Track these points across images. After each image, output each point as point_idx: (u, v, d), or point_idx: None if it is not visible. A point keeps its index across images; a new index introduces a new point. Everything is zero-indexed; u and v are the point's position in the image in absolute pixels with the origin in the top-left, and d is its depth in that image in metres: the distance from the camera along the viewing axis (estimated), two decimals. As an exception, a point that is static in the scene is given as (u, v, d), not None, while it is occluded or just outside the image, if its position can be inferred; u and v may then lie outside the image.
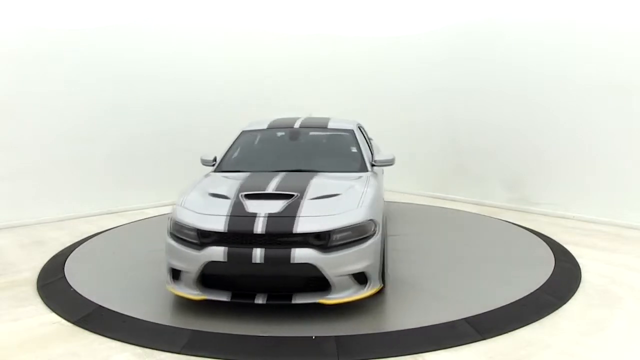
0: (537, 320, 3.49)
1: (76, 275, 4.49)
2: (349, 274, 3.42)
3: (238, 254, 3.40)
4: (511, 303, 3.75)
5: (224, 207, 3.66)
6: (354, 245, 3.45)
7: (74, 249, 5.31)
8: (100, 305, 3.77)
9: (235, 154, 5.04)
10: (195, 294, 3.56)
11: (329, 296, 3.43)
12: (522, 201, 7.29)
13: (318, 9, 9.06)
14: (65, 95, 6.85)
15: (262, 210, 3.57)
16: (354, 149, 4.85)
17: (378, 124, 6.51)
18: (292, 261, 3.34)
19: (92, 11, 7.07)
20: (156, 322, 3.49)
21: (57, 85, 6.77)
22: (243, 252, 3.39)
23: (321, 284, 3.42)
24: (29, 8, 6.58)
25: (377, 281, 3.61)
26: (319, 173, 4.34)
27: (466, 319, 3.47)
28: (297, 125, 5.23)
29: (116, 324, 3.50)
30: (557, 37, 6.77)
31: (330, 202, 3.67)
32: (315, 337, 3.24)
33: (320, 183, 4.04)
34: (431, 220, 6.63)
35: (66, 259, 4.97)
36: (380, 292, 3.77)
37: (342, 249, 3.41)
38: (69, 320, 3.56)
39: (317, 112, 6.33)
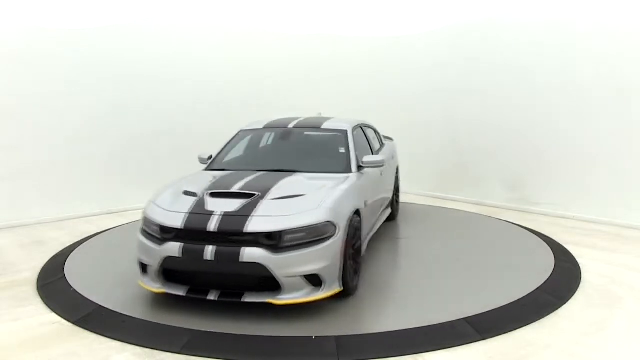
0: (537, 320, 3.49)
1: (76, 275, 4.49)
2: (300, 275, 3.41)
3: (192, 251, 3.49)
4: (511, 303, 3.75)
5: (187, 205, 3.77)
6: (308, 247, 3.43)
7: (74, 249, 5.31)
8: (100, 305, 3.77)
9: (227, 153, 5.15)
10: (156, 287, 3.70)
11: (279, 296, 3.45)
12: (522, 201, 7.29)
13: (318, 9, 9.06)
14: (65, 95, 6.85)
15: (220, 208, 3.64)
16: (342, 150, 4.77)
17: (378, 123, 6.50)
18: (241, 260, 3.38)
19: (92, 11, 7.07)
20: (156, 322, 3.49)
21: (57, 85, 6.77)
22: (196, 249, 3.48)
23: (271, 283, 3.43)
24: (29, 8, 6.58)
25: (335, 284, 3.57)
26: (297, 173, 4.35)
27: (466, 319, 3.46)
28: (291, 125, 5.26)
29: (116, 324, 3.50)
30: (557, 37, 6.77)
31: (289, 203, 3.68)
32: (315, 337, 3.24)
33: (290, 183, 4.06)
34: (431, 220, 6.63)
35: (66, 259, 4.97)
36: (339, 295, 3.73)
37: (294, 250, 3.40)
38: (69, 320, 3.56)
39: (325, 112, 6.35)
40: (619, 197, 6.28)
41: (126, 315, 3.60)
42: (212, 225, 3.51)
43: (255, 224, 3.46)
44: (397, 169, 6.65)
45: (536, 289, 4.03)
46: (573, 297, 3.93)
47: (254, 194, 3.79)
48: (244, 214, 3.56)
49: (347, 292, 3.76)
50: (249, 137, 5.37)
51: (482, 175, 7.78)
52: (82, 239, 5.72)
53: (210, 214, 3.60)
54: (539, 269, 4.52)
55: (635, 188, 6.14)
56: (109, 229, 6.22)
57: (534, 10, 7.06)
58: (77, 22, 6.95)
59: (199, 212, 3.65)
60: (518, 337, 3.25)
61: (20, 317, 3.66)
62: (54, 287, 4.24)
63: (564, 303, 3.81)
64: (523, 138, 7.24)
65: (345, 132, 4.95)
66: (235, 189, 3.97)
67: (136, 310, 3.69)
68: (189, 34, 7.96)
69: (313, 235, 3.46)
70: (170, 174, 7.50)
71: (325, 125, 5.17)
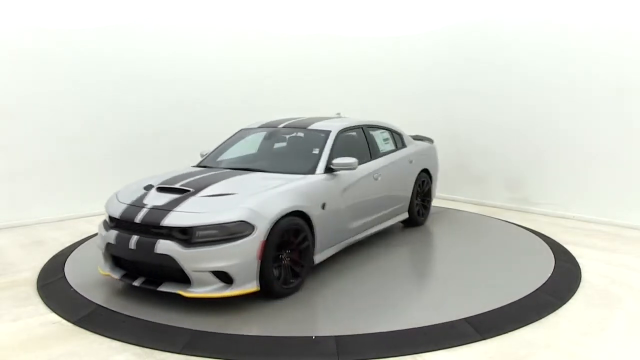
0: (537, 320, 3.49)
1: (76, 275, 4.48)
2: (209, 271, 3.52)
3: (121, 239, 3.82)
4: (511, 303, 3.75)
5: (133, 197, 4.09)
6: (219, 244, 3.51)
7: (74, 249, 5.30)
8: (100, 305, 3.77)
9: (219, 150, 5.35)
10: (105, 271, 4.09)
11: (189, 289, 3.59)
12: (522, 201, 7.29)
13: (318, 9, 9.06)
14: (65, 95, 6.85)
15: (152, 202, 3.91)
16: (316, 151, 4.73)
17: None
18: (155, 251, 3.59)
19: (92, 11, 7.06)
20: (156, 322, 3.48)
21: (57, 85, 6.77)
22: (124, 238, 3.79)
23: (184, 276, 3.59)
24: (29, 8, 6.58)
25: (251, 283, 3.62)
26: (257, 172, 4.49)
27: (466, 319, 3.46)
28: (281, 125, 5.34)
29: (116, 324, 3.49)
30: (557, 37, 6.77)
31: (213, 201, 3.81)
32: (315, 337, 3.24)
33: (233, 182, 4.19)
34: (431, 220, 6.62)
35: (66, 259, 4.97)
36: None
37: (205, 245, 3.52)
38: (69, 320, 3.56)
39: (345, 113, 6.35)
40: (619, 197, 6.28)
41: (126, 315, 3.60)
42: (139, 217, 3.79)
43: (171, 219, 3.64)
44: (429, 173, 6.32)
45: (536, 289, 4.03)
46: (573, 297, 3.93)
47: (188, 190, 3.99)
48: (166, 209, 3.76)
49: (273, 294, 3.81)
50: (244, 136, 5.54)
51: (482, 175, 7.78)
52: (82, 239, 5.72)
53: (142, 206, 3.88)
54: (539, 269, 4.52)
55: (635, 188, 6.14)
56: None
57: (534, 10, 7.06)
58: (77, 22, 6.94)
59: (135, 205, 3.94)
60: (518, 337, 3.25)
61: (20, 317, 3.66)
62: (54, 287, 4.24)
63: (564, 303, 3.81)
64: (523, 138, 7.24)
65: (327, 134, 4.87)
66: (178, 184, 4.16)
67: (136, 310, 3.68)
68: (189, 34, 7.96)
69: (226, 233, 3.53)
70: (170, 174, 7.53)
71: (312, 126, 5.12)
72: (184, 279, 3.61)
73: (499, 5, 7.56)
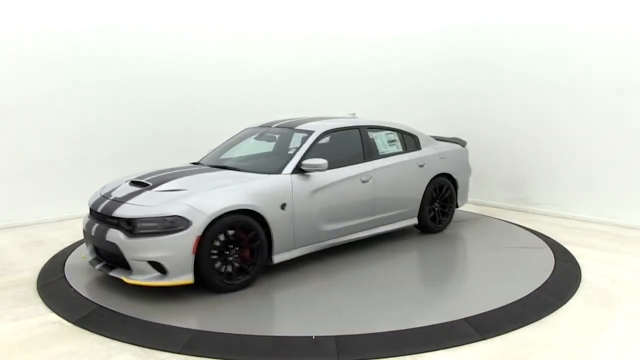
0: (537, 320, 3.50)
1: (76, 275, 4.48)
2: (146, 261, 3.76)
3: (88, 226, 4.25)
4: (511, 303, 3.75)
5: (108, 189, 4.47)
6: (157, 236, 3.74)
7: (74, 249, 5.31)
8: (100, 305, 3.77)
9: (216, 149, 5.52)
10: (84, 254, 4.46)
11: (130, 276, 3.87)
12: (522, 201, 7.29)
13: (318, 9, 9.06)
14: (65, 95, 6.84)
15: (116, 194, 4.27)
16: (291, 152, 4.77)
17: (378, 124, 6.51)
18: (105, 238, 3.95)
19: (92, 11, 7.06)
20: (156, 322, 3.49)
21: (57, 85, 6.77)
22: (90, 225, 4.22)
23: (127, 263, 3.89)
24: (29, 8, 6.58)
25: (186, 275, 3.80)
26: (226, 170, 4.70)
27: (466, 319, 3.47)
28: (275, 125, 5.42)
29: (116, 324, 3.50)
30: (557, 37, 6.77)
31: (162, 195, 4.05)
32: (315, 337, 3.24)
33: (193, 179, 4.42)
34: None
35: (66, 259, 4.97)
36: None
37: (145, 236, 3.77)
38: (69, 320, 3.56)
39: (360, 114, 6.33)
40: (619, 197, 6.28)
41: (126, 315, 3.60)
42: (101, 207, 4.17)
43: (120, 210, 3.96)
44: (453, 177, 5.99)
45: (536, 289, 4.03)
46: (573, 297, 3.93)
47: (147, 185, 4.29)
48: (121, 201, 4.09)
49: (213, 288, 3.96)
50: (246, 135, 5.61)
51: (482, 175, 7.77)
52: (82, 239, 5.71)
53: (107, 197, 4.26)
54: (539, 269, 4.52)
55: (635, 188, 6.14)
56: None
57: (534, 10, 7.06)
58: (77, 22, 6.94)
59: (105, 196, 4.33)
60: (518, 337, 3.25)
61: (20, 317, 3.66)
62: (54, 287, 4.24)
63: (564, 303, 3.81)
64: (523, 138, 7.24)
65: (310, 134, 4.86)
66: (145, 179, 4.45)
67: (136, 310, 3.68)
68: (189, 34, 7.96)
69: (163, 226, 3.76)
70: (170, 174, 7.52)
71: (300, 126, 5.10)
72: (128, 266, 3.90)
73: (499, 5, 7.56)
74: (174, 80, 7.75)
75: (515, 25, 7.28)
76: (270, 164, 4.70)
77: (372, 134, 5.39)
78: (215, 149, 5.55)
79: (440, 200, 5.90)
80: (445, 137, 6.48)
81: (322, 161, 4.45)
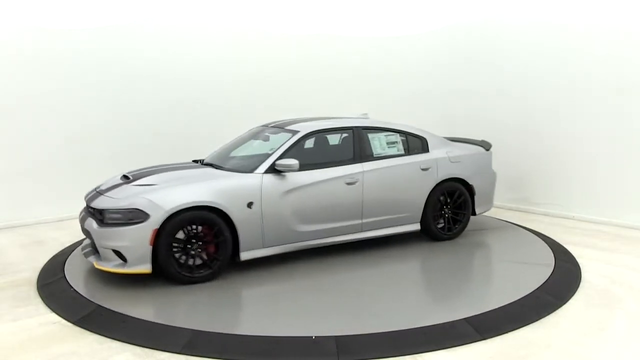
0: (537, 320, 3.50)
1: (76, 275, 4.49)
2: (110, 249, 4.08)
3: (81, 216, 4.61)
4: (511, 303, 3.75)
5: (103, 183, 4.82)
6: (120, 227, 4.03)
7: (74, 249, 5.31)
8: (100, 305, 3.78)
9: (221, 148, 5.62)
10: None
11: (99, 262, 4.22)
12: (522, 201, 7.29)
13: (318, 9, 9.06)
14: (65, 95, 6.84)
15: (102, 186, 4.67)
16: (270, 151, 4.80)
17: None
18: (84, 226, 4.36)
19: (92, 11, 7.06)
20: (156, 322, 3.49)
21: (57, 85, 6.77)
22: (81, 215, 4.62)
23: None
24: (29, 8, 6.58)
25: (144, 265, 4.06)
26: (207, 168, 4.89)
27: (466, 319, 3.47)
28: (271, 125, 5.50)
29: (116, 324, 3.50)
30: (557, 38, 6.77)
31: (133, 189, 4.33)
32: (315, 337, 3.24)
33: (167, 175, 4.60)
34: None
35: (66, 259, 4.97)
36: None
37: (111, 226, 4.08)
38: (69, 320, 3.57)
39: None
40: (619, 197, 6.28)
41: (126, 315, 3.60)
42: (88, 197, 4.59)
43: (96, 201, 4.33)
44: (468, 183, 5.63)
45: (536, 289, 4.03)
46: (573, 297, 3.93)
47: (129, 179, 4.59)
48: (101, 193, 4.47)
49: (172, 279, 4.16)
50: (249, 135, 5.65)
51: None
52: (82, 239, 5.71)
53: (95, 190, 4.66)
54: (539, 269, 4.52)
55: (635, 188, 6.14)
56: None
57: (534, 10, 7.06)
58: (77, 22, 6.94)
59: (95, 189, 4.69)
60: (518, 337, 3.25)
61: (20, 317, 3.66)
62: (54, 287, 4.24)
63: (564, 303, 3.81)
64: (523, 138, 7.24)
65: (294, 134, 4.90)
66: (131, 173, 4.76)
67: (136, 310, 3.69)
68: (189, 34, 7.95)
69: (126, 218, 4.04)
70: (170, 174, 7.51)
71: (289, 127, 5.13)
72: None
73: (499, 5, 7.56)
74: (174, 80, 7.75)
75: (515, 25, 7.28)
76: (249, 163, 4.75)
77: (369, 135, 5.27)
78: (220, 148, 5.60)
79: (451, 207, 5.56)
80: (469, 139, 6.24)
81: (293, 161, 4.49)
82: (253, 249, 4.46)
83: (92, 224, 4.21)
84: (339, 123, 5.29)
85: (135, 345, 3.19)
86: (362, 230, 5.06)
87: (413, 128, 5.63)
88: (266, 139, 5.42)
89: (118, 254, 4.06)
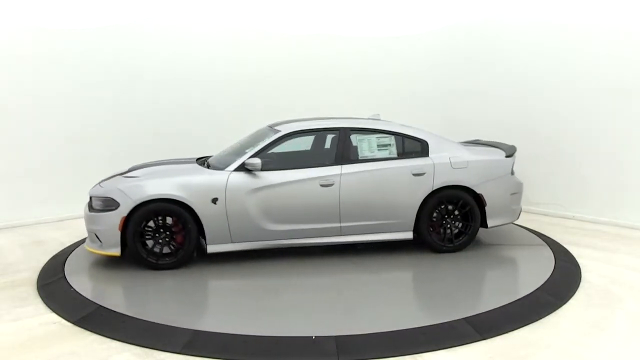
0: (537, 320, 3.50)
1: (76, 275, 4.49)
2: (92, 232, 4.63)
3: None
4: (511, 303, 3.75)
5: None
6: (99, 212, 4.56)
7: (74, 249, 5.30)
8: (100, 305, 3.77)
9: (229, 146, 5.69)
10: None
11: (87, 243, 4.78)
12: (522, 201, 7.27)
13: (318, 9, 9.06)
14: (65, 96, 6.84)
15: (105, 178, 5.10)
16: (247, 150, 4.91)
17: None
18: (84, 211, 4.83)
19: (92, 11, 7.06)
20: (156, 322, 3.49)
21: (57, 85, 6.77)
22: None
23: None
24: (29, 8, 6.58)
25: (115, 248, 4.52)
26: (190, 165, 5.15)
27: (466, 319, 3.47)
28: (268, 125, 5.56)
29: (116, 324, 3.50)
30: (557, 37, 6.77)
31: (118, 180, 4.77)
32: (315, 337, 3.24)
33: (153, 169, 5.00)
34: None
35: (66, 259, 4.97)
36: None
37: (94, 212, 4.60)
38: (69, 320, 3.57)
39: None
40: (619, 197, 6.28)
41: (126, 315, 3.60)
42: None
43: (91, 190, 4.83)
44: (476, 192, 5.06)
45: (536, 289, 4.03)
46: (573, 297, 3.93)
47: (126, 171, 5.07)
48: (99, 183, 4.92)
49: (142, 263, 4.58)
50: (256, 134, 5.68)
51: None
52: (82, 239, 5.70)
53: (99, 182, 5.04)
54: (539, 269, 4.52)
55: (635, 188, 6.14)
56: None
57: (534, 10, 7.06)
58: (77, 22, 6.94)
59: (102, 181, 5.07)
60: (518, 337, 3.25)
61: (20, 317, 3.66)
62: (54, 287, 4.24)
63: (564, 303, 3.81)
64: (523, 138, 7.22)
65: (275, 133, 4.98)
66: (133, 167, 5.16)
67: (136, 310, 3.69)
68: (189, 34, 7.95)
69: (104, 205, 4.55)
70: (170, 174, 7.51)
71: (276, 126, 5.19)
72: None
73: (499, 5, 7.56)
74: (174, 80, 7.75)
75: (515, 25, 7.27)
76: (227, 161, 4.92)
77: (359, 137, 5.09)
78: (229, 147, 5.60)
79: (456, 217, 5.10)
80: (493, 143, 5.79)
81: (256, 160, 4.64)
82: (220, 243, 4.68)
83: (85, 209, 4.75)
84: (326, 124, 5.19)
85: (135, 345, 3.19)
86: (342, 234, 4.91)
87: (417, 130, 5.29)
88: (260, 138, 5.43)
89: (97, 236, 4.57)
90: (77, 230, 6.19)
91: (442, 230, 5.10)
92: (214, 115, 8.02)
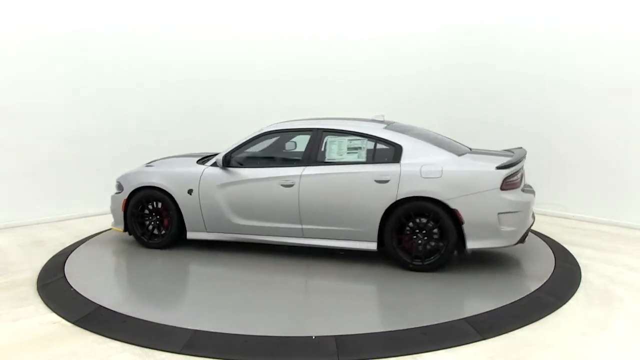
0: (537, 320, 3.49)
1: (76, 275, 4.48)
2: (111, 210, 5.55)
3: None
4: (511, 303, 3.75)
5: None
6: (115, 194, 5.49)
7: (74, 249, 5.31)
8: (100, 305, 3.77)
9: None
10: None
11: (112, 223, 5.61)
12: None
13: (319, 9, 9.06)
14: (65, 96, 6.84)
15: None
16: (227, 149, 5.15)
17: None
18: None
19: (92, 11, 7.06)
20: (156, 322, 3.49)
21: (56, 85, 6.77)
22: None
23: None
24: (29, 8, 6.58)
25: (120, 225, 5.41)
26: (190, 159, 5.55)
27: (466, 319, 3.47)
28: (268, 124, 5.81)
29: (116, 324, 3.50)
30: (558, 38, 6.77)
31: (138, 169, 5.54)
32: (315, 337, 3.24)
33: (170, 160, 5.69)
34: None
35: (66, 259, 4.97)
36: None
37: (115, 194, 5.49)
38: (69, 320, 3.57)
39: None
40: (619, 197, 6.28)
41: (126, 315, 3.60)
42: None
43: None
44: (449, 207, 4.33)
45: (536, 289, 4.03)
46: (573, 297, 3.93)
47: (150, 162, 5.76)
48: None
49: (138, 242, 5.37)
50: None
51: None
52: (82, 239, 5.72)
53: None
54: (539, 269, 4.52)
55: (635, 188, 6.14)
56: (109, 229, 6.21)
57: (534, 10, 7.06)
58: (77, 22, 6.94)
59: None
60: (518, 337, 3.25)
61: (20, 317, 3.66)
62: (54, 287, 4.24)
63: (564, 303, 3.81)
64: (523, 138, 7.22)
65: (258, 132, 5.18)
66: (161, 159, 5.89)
67: (136, 310, 3.69)
68: (190, 34, 7.96)
69: (117, 188, 5.47)
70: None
71: (266, 128, 5.25)
72: None
73: (499, 5, 7.56)
74: (175, 80, 7.75)
75: (515, 25, 7.27)
76: (206, 159, 5.37)
77: (330, 139, 4.86)
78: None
79: (430, 233, 4.43)
80: (501, 152, 5.31)
81: (220, 157, 5.06)
82: (197, 231, 5.16)
83: (112, 191, 5.51)
84: (305, 124, 5.13)
85: (135, 345, 3.19)
86: (303, 236, 4.79)
87: (397, 135, 4.73)
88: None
89: (113, 215, 5.50)
90: (77, 230, 6.19)
91: (414, 245, 4.49)
92: (214, 115, 8.02)
